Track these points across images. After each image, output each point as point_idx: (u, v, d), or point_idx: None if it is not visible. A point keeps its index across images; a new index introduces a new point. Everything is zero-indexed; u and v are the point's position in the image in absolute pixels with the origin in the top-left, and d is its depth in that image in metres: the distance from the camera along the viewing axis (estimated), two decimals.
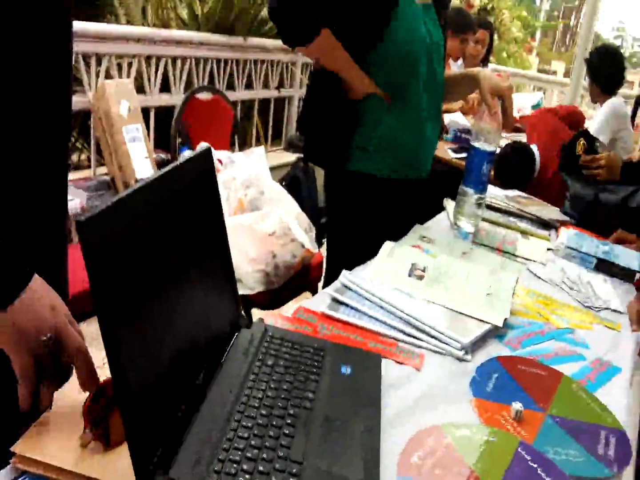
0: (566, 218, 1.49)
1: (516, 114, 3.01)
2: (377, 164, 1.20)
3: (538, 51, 11.94)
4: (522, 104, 3.11)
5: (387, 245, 1.06)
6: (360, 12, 1.08)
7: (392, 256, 1.02)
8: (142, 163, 1.73)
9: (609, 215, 1.43)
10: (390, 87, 1.15)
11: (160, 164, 1.89)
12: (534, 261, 1.19)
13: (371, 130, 1.17)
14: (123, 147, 1.67)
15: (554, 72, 10.22)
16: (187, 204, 0.56)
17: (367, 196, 1.22)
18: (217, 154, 1.61)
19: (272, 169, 2.72)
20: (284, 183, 2.23)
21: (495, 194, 1.57)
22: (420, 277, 0.96)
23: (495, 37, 8.12)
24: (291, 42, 1.09)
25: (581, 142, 1.60)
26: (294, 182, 2.17)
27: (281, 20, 1.06)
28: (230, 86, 2.60)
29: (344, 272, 0.93)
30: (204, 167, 0.62)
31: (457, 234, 1.26)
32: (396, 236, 1.16)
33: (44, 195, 0.57)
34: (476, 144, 1.20)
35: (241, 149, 2.09)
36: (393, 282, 0.92)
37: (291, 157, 2.69)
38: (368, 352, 0.70)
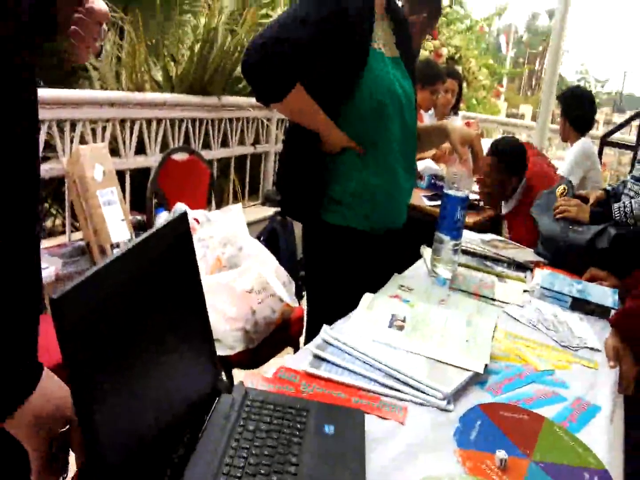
0: (540, 259, 1.56)
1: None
2: (353, 217, 1.25)
3: (506, 96, 12.59)
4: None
5: (367, 297, 1.09)
6: (332, 69, 1.15)
7: (372, 308, 1.05)
8: (118, 226, 1.76)
9: (579, 254, 1.50)
10: (363, 140, 1.21)
11: (136, 226, 1.91)
12: (511, 304, 1.23)
13: (346, 183, 1.23)
14: (98, 210, 1.70)
15: (522, 115, 10.77)
16: (163, 271, 0.58)
17: (344, 248, 1.26)
18: (193, 214, 1.65)
19: (250, 224, 2.77)
20: (262, 237, 2.27)
21: (471, 238, 1.63)
22: (401, 328, 0.98)
23: (464, 85, 8.61)
24: (265, 98, 1.15)
25: (562, 186, 1.70)
26: (272, 236, 2.21)
27: (255, 77, 1.10)
28: (206, 145, 2.69)
29: (325, 327, 0.96)
30: (180, 232, 0.65)
31: (434, 281, 1.30)
32: (375, 286, 1.20)
33: (14, 271, 0.56)
34: (449, 191, 1.27)
35: (218, 206, 2.15)
36: (374, 335, 0.94)
37: (268, 211, 2.75)
38: (351, 410, 0.72)
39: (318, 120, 1.18)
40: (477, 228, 2.12)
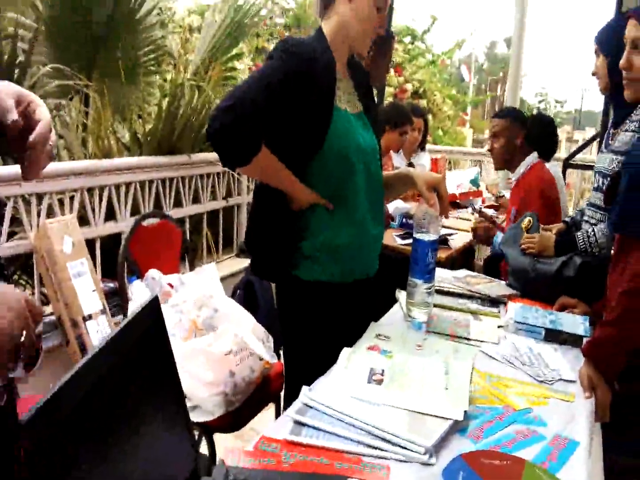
0: (512, 291, 1.61)
1: (456, 191, 3.27)
2: (325, 270, 1.28)
3: (471, 123, 13.08)
4: (461, 180, 3.39)
5: (345, 352, 1.11)
6: (298, 130, 1.20)
7: (350, 363, 1.08)
8: (90, 297, 1.76)
9: (548, 284, 1.56)
10: (331, 195, 1.26)
11: (108, 295, 1.91)
12: (487, 342, 1.27)
13: (316, 238, 1.27)
14: (68, 283, 1.70)
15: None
16: (135, 365, 0.59)
17: (319, 303, 1.29)
18: (167, 279, 1.67)
19: (226, 277, 2.79)
20: (238, 290, 2.29)
21: (443, 277, 1.68)
22: (379, 382, 1.01)
23: (430, 117, 8.94)
24: (231, 163, 1.20)
25: (527, 219, 1.77)
26: (248, 287, 2.23)
27: (220, 143, 1.12)
28: (178, 203, 2.73)
29: (304, 389, 0.98)
30: (151, 319, 0.67)
31: (411, 326, 1.33)
32: (354, 336, 1.23)
33: None
34: (418, 236, 1.32)
35: (192, 263, 2.16)
36: (353, 392, 0.97)
37: (244, 262, 2.78)
38: (333, 477, 0.73)
39: (285, 180, 1.23)
40: (450, 262, 2.18)
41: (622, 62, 1.16)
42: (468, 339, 1.27)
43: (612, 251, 1.27)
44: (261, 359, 1.48)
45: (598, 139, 3.73)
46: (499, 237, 2.17)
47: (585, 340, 1.28)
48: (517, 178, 2.24)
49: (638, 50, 1.13)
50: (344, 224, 1.27)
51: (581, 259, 1.54)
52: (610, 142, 1.65)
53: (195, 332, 1.55)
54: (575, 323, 1.33)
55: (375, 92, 2.62)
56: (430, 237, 1.31)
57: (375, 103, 1.44)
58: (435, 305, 1.44)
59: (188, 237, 2.72)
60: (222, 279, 2.60)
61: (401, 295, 1.49)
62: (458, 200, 3.13)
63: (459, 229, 2.50)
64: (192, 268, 1.90)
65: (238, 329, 1.54)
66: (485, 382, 1.08)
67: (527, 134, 2.56)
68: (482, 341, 1.27)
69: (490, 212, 2.99)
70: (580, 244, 1.60)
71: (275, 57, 1.19)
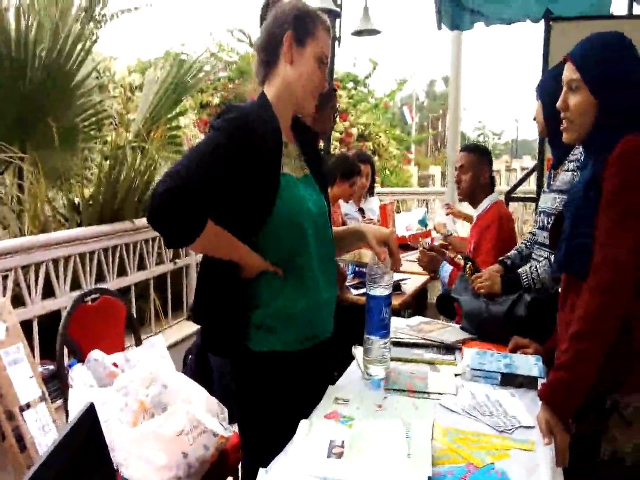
0: (467, 335, 1.64)
1: (405, 233, 3.36)
2: (279, 339, 1.25)
3: (416, 160, 13.62)
4: (409, 221, 3.49)
5: (303, 425, 1.09)
6: (245, 200, 1.19)
7: (310, 435, 1.05)
8: (26, 385, 1.66)
9: (501, 325, 1.60)
10: (282, 261, 1.25)
11: (47, 379, 1.80)
12: (446, 393, 1.27)
13: (268, 306, 1.24)
14: (3, 373, 1.60)
15: (433, 176, 11.63)
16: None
17: (273, 374, 1.26)
18: (111, 358, 1.59)
19: (178, 343, 2.70)
20: (190, 354, 2.22)
21: (397, 326, 1.69)
22: (340, 455, 0.99)
23: (376, 158, 9.25)
24: (176, 244, 1.17)
25: (468, 265, 1.82)
26: (201, 351, 2.17)
27: (161, 225, 1.08)
28: (122, 271, 2.65)
29: (261, 472, 0.94)
30: (87, 429, 0.64)
31: (369, 385, 1.32)
32: (312, 403, 1.21)
33: None
34: (371, 292, 1.32)
35: (138, 337, 2.07)
36: (313, 469, 0.94)
37: (195, 325, 2.70)
38: None
39: (232, 250, 1.20)
40: (404, 307, 2.21)
41: (558, 103, 1.22)
42: (427, 393, 1.28)
43: (560, 289, 1.32)
44: (215, 435, 1.42)
45: (536, 171, 3.96)
46: (444, 267, 2.22)
47: (540, 381, 1.31)
48: (478, 214, 2.32)
49: (573, 91, 1.19)
50: (296, 291, 1.26)
51: (530, 296, 1.59)
52: (552, 182, 1.75)
53: (144, 414, 1.48)
54: (529, 364, 1.37)
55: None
56: (383, 291, 1.33)
57: (321, 165, 1.44)
58: (392, 359, 1.44)
59: (134, 306, 2.63)
60: (174, 345, 2.52)
61: (358, 351, 1.49)
62: (408, 242, 3.21)
63: (411, 272, 2.55)
64: (138, 342, 1.83)
65: (190, 405, 1.48)
66: (447, 439, 1.08)
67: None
68: (440, 393, 1.27)
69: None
70: (524, 280, 1.66)
71: (218, 127, 1.18)
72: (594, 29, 1.24)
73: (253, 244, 1.23)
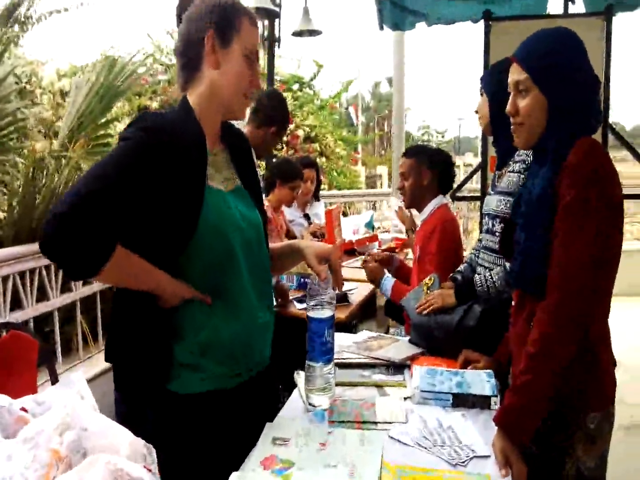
0: (416, 350, 1.55)
1: (353, 237, 3.26)
2: (207, 377, 1.10)
3: (363, 160, 13.67)
4: (356, 225, 3.40)
5: (233, 479, 0.94)
6: (163, 220, 1.03)
7: None
8: None
9: (451, 337, 1.51)
10: (209, 285, 1.09)
11: None
12: (395, 422, 1.16)
13: (194, 339, 1.08)
14: None
15: (380, 176, 11.70)
16: None
17: (202, 419, 1.10)
18: (19, 403, 1.38)
19: (109, 369, 2.47)
20: None
21: (343, 344, 1.57)
22: None
23: (324, 159, 9.17)
24: (76, 275, 1.00)
25: (428, 278, 1.72)
26: None
27: (58, 253, 0.92)
28: (43, 295, 2.39)
29: None
30: None
31: (312, 418, 1.20)
32: (249, 444, 1.06)
33: None
34: (312, 314, 1.20)
35: (65, 355, 1.85)
36: None
37: None
38: None
39: (149, 279, 1.05)
40: (351, 319, 2.10)
41: (508, 107, 1.15)
42: (375, 423, 1.16)
43: (513, 303, 1.24)
44: None
45: (480, 170, 3.97)
46: (386, 280, 2.14)
47: (492, 400, 1.23)
48: (422, 219, 2.23)
49: (522, 93, 1.12)
50: (225, 318, 1.10)
51: (481, 307, 1.52)
52: (496, 183, 1.69)
53: (58, 464, 1.28)
54: (481, 382, 1.28)
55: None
56: (325, 313, 1.21)
57: (255, 174, 1.29)
58: (337, 383, 1.32)
59: (57, 333, 2.38)
60: (107, 371, 2.30)
61: (300, 378, 1.36)
62: (355, 248, 3.11)
63: (358, 280, 2.44)
64: (54, 379, 1.62)
65: (112, 457, 1.30)
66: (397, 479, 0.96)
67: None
68: (389, 423, 1.16)
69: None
70: (479, 288, 1.59)
71: (127, 137, 1.02)
72: (532, 29, 1.18)
73: (174, 268, 1.07)
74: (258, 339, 1.19)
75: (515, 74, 1.13)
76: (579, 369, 1.06)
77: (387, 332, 2.89)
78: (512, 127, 1.15)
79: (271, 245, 1.31)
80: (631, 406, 2.65)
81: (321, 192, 6.78)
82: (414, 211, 2.37)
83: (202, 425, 1.10)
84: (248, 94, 1.16)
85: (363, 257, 3.07)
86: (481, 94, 1.69)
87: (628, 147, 3.97)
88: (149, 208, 1.02)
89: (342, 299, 2.15)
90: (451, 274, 1.76)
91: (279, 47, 4.41)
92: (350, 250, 3.08)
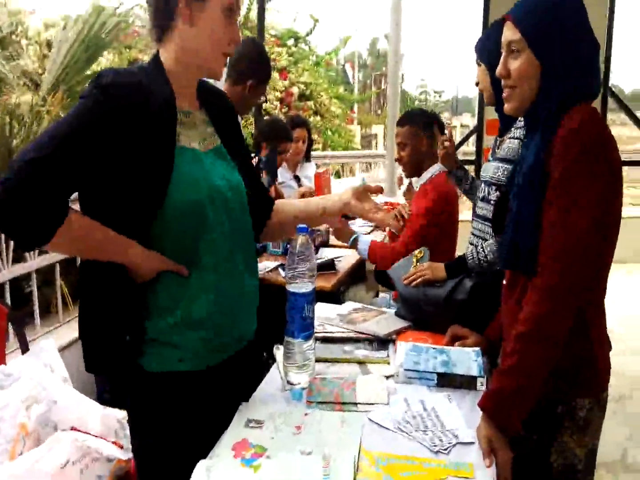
0: (403, 323, 1.47)
1: None
2: (186, 354, 1.01)
3: (359, 119, 13.33)
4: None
5: (200, 467, 0.87)
6: (129, 183, 0.94)
7: None
8: None
9: (440, 310, 1.44)
10: (185, 255, 1.00)
11: None
12: (376, 404, 1.09)
13: (170, 314, 1.00)
14: None
15: (375, 135, 11.43)
16: None
17: (181, 397, 1.02)
18: None
19: None
20: None
21: (326, 316, 1.50)
22: None
23: (318, 118, 8.91)
24: (25, 244, 0.91)
25: (418, 250, 1.64)
26: None
27: (3, 222, 0.86)
28: (21, 256, 2.28)
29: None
30: None
31: (289, 396, 1.13)
32: (225, 424, 1.00)
33: None
34: (292, 288, 1.12)
35: (43, 317, 1.76)
36: None
37: None
38: None
39: (117, 249, 0.96)
40: (338, 287, 2.02)
41: (498, 69, 1.05)
42: (355, 404, 1.09)
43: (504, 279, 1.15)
44: (111, 460, 1.20)
45: (476, 133, 3.83)
46: (361, 239, 2.06)
47: (479, 380, 1.16)
48: (421, 183, 2.12)
49: (514, 54, 1.01)
50: (205, 290, 1.01)
51: (472, 281, 1.43)
52: (497, 149, 1.58)
53: (25, 440, 1.23)
54: (468, 361, 1.21)
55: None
56: (306, 287, 1.12)
57: (239, 134, 1.19)
58: (318, 360, 1.25)
59: (35, 295, 2.29)
60: None
61: (279, 353, 1.28)
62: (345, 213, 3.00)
63: (347, 247, 2.34)
64: (25, 348, 1.53)
65: (81, 423, 1.24)
66: (374, 469, 0.90)
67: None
68: (371, 404, 1.10)
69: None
70: (470, 260, 1.51)
71: (87, 96, 0.92)
72: None
73: (146, 238, 0.98)
74: (243, 310, 1.10)
75: (509, 33, 1.01)
76: (571, 352, 0.99)
77: (376, 296, 2.84)
78: (503, 91, 1.04)
79: (292, 202, 1.27)
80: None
81: (315, 153, 6.60)
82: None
83: (181, 405, 1.02)
84: (226, 52, 1.03)
85: (354, 220, 2.97)
86: (478, 64, 1.57)
87: (627, 111, 3.83)
88: (112, 173, 0.93)
89: (329, 266, 2.06)
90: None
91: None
92: (342, 216, 2.97)
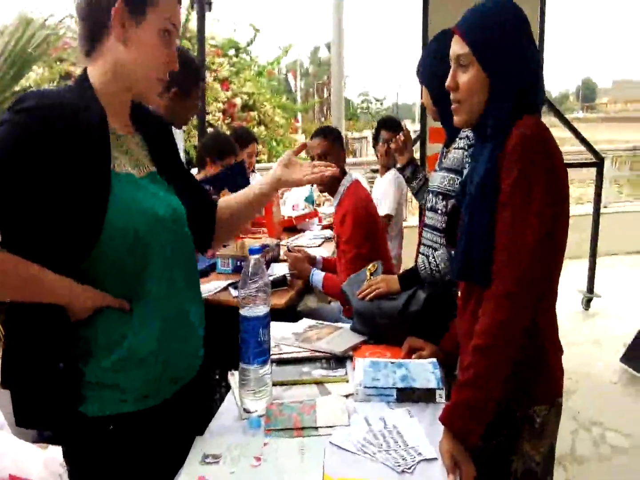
0: (359, 338, 1.46)
1: (292, 212, 3.12)
2: (130, 395, 0.94)
3: (303, 128, 13.37)
4: (296, 200, 3.25)
5: None
6: (61, 217, 0.86)
7: None
8: None
9: (395, 323, 1.43)
10: (126, 286, 0.93)
11: None
12: (337, 426, 1.07)
13: (111, 353, 0.92)
14: None
15: None
16: None
17: (126, 440, 0.95)
18: None
19: None
20: None
21: (281, 336, 1.46)
22: None
23: (262, 128, 8.84)
24: None
25: (372, 264, 1.63)
26: None
27: None
28: None
29: None
30: None
31: (246, 426, 1.08)
32: (178, 463, 0.94)
33: None
34: (245, 312, 1.08)
35: None
36: None
37: None
38: None
39: (53, 289, 0.88)
40: (291, 303, 1.98)
41: (447, 81, 1.05)
42: (316, 428, 1.06)
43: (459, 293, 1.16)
44: None
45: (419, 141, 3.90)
46: (314, 274, 2.10)
47: (437, 393, 1.16)
48: (337, 202, 2.15)
49: (463, 67, 1.02)
50: (147, 326, 0.94)
51: (425, 292, 1.44)
52: (442, 160, 1.60)
53: None
54: (426, 374, 1.21)
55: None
56: (261, 310, 1.08)
57: (177, 158, 1.14)
58: (274, 384, 1.21)
59: None
60: None
61: (234, 378, 1.23)
62: (295, 225, 2.98)
63: None
64: None
65: (22, 470, 1.14)
66: None
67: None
68: (331, 427, 1.07)
69: (327, 232, 2.89)
70: (422, 271, 1.51)
71: (8, 121, 0.84)
72: None
73: (81, 271, 0.90)
74: (189, 338, 1.04)
75: (457, 47, 1.02)
76: (526, 360, 1.00)
77: (329, 303, 2.81)
78: (452, 104, 1.05)
79: (228, 197, 1.21)
80: None
81: (262, 164, 6.50)
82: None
83: (128, 448, 0.95)
84: (162, 77, 0.98)
85: (304, 233, 2.96)
86: (421, 84, 1.61)
87: (557, 114, 4.05)
88: (41, 203, 0.85)
89: (281, 282, 2.02)
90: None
91: (209, 10, 4.08)
92: (291, 228, 2.93)
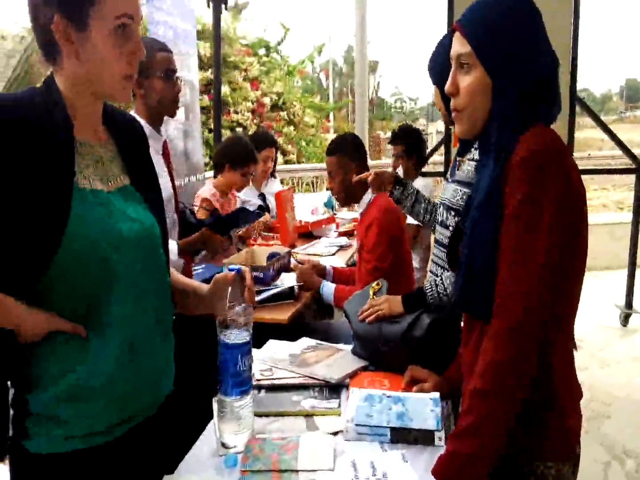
0: (359, 364, 1.34)
1: (311, 217, 3.02)
2: (81, 430, 0.86)
3: (335, 127, 13.23)
4: (315, 204, 3.15)
5: None
6: (14, 233, 0.79)
7: None
8: None
9: (397, 348, 1.31)
10: (86, 309, 0.85)
11: None
12: (320, 470, 0.96)
13: (57, 383, 0.84)
14: None
15: None
16: None
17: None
18: None
19: None
20: None
21: (276, 357, 1.36)
22: None
23: (292, 128, 8.77)
24: None
25: (375, 283, 1.52)
26: None
27: None
28: None
29: None
30: None
31: (223, 465, 0.98)
32: None
33: None
34: (224, 338, 0.99)
35: None
36: None
37: None
38: None
39: None
40: (295, 319, 1.88)
41: (447, 86, 0.93)
42: (296, 472, 0.96)
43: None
44: None
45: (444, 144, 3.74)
46: (324, 286, 2.00)
47: (437, 435, 1.03)
48: (361, 212, 2.04)
49: (464, 69, 0.89)
50: (109, 351, 0.86)
51: (430, 317, 1.31)
52: (456, 170, 1.47)
53: None
54: (425, 412, 1.08)
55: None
56: (241, 336, 0.99)
57: (151, 167, 1.04)
58: (260, 414, 1.11)
59: None
60: None
61: (216, 407, 1.14)
62: (311, 231, 2.87)
63: None
64: None
65: None
66: None
67: (404, 148, 2.67)
68: (314, 470, 0.96)
69: (343, 240, 2.77)
70: (429, 294, 1.39)
71: None
72: None
73: (33, 293, 0.83)
74: (151, 373, 0.94)
75: (458, 45, 0.89)
76: (535, 407, 0.87)
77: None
78: (452, 112, 0.93)
79: (182, 279, 1.11)
80: None
81: (287, 167, 6.41)
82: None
83: None
84: (129, 72, 0.89)
85: (320, 240, 2.85)
86: (434, 85, 1.48)
87: (595, 118, 3.79)
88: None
89: (288, 295, 1.92)
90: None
91: (225, 9, 3.95)
92: (307, 234, 2.83)
